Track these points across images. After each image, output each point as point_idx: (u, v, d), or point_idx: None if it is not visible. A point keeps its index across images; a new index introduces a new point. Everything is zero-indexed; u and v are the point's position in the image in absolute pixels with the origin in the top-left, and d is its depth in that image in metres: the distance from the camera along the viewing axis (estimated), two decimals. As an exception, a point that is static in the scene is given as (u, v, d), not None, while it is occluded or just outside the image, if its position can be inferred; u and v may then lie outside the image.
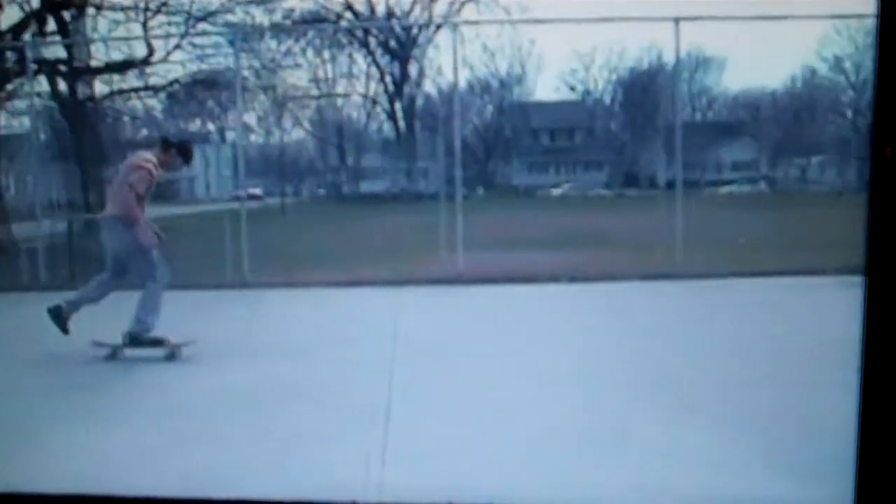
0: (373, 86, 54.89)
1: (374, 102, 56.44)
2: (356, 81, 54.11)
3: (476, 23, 51.99)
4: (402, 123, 53.88)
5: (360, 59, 51.94)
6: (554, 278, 13.53)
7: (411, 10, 48.84)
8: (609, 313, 11.01)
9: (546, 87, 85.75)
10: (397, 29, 49.87)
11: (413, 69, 52.29)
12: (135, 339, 8.35)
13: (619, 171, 67.40)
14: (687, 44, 60.76)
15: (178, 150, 8.84)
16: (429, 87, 54.39)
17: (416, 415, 6.26)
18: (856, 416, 1.74)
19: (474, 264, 13.82)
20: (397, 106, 53.96)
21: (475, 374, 7.51)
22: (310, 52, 45.18)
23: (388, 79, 53.72)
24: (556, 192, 58.69)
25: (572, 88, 70.49)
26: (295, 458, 5.29)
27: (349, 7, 44.59)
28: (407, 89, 52.99)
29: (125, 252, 8.42)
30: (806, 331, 9.32)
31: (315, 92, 52.42)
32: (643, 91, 63.26)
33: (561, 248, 17.59)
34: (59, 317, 8.45)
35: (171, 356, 8.24)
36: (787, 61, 75.72)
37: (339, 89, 55.21)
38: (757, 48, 77.47)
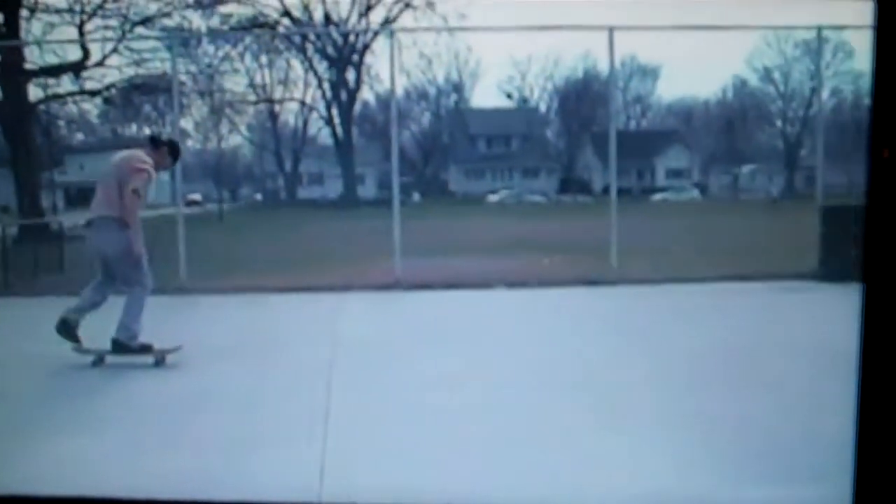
0: (310, 92, 54.80)
1: (312, 108, 56.33)
2: (294, 87, 54.03)
3: (413, 30, 52.14)
4: (339, 129, 53.75)
5: (298, 66, 51.84)
6: (491, 284, 13.56)
7: (349, 16, 48.86)
8: (542, 318, 11.07)
9: (483, 95, 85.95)
10: (335, 35, 49.79)
11: (350, 76, 52.22)
12: (122, 347, 8.10)
13: (555, 178, 67.85)
14: (621, 53, 61.37)
15: (169, 148, 8.63)
16: (366, 93, 54.43)
17: (353, 418, 6.25)
18: (854, 417, 1.74)
19: (412, 270, 13.81)
20: (335, 112, 53.81)
21: (409, 378, 7.53)
22: (247, 58, 45.05)
23: (325, 85, 53.62)
24: (493, 198, 58.92)
25: (509, 96, 70.96)
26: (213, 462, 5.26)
27: (287, 13, 44.46)
28: (344, 95, 52.87)
29: (116, 256, 8.10)
30: (725, 334, 9.49)
31: (252, 97, 52.23)
32: (578, 99, 63.83)
33: (498, 254, 17.64)
34: (69, 330, 8.12)
35: (159, 362, 8.06)
36: (719, 72, 76.74)
37: (277, 95, 55.08)
38: (690, 58, 78.17)
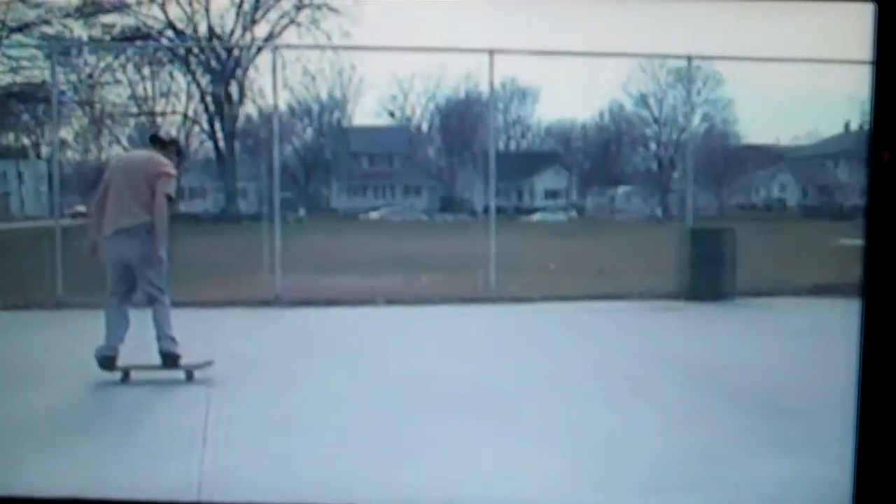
0: (193, 105, 53.98)
1: (194, 122, 55.49)
2: (176, 100, 53.16)
3: (297, 47, 51.80)
4: (222, 143, 53.04)
5: (181, 78, 51.04)
6: (370, 301, 13.56)
7: (233, 30, 48.36)
8: (418, 334, 11.12)
9: (366, 112, 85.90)
10: (218, 49, 49.21)
11: (234, 90, 51.63)
12: (173, 357, 7.87)
13: (436, 197, 68.05)
14: (502, 75, 62.09)
15: (175, 147, 8.31)
16: (249, 108, 53.82)
17: (230, 433, 6.21)
18: (854, 418, 1.75)
19: (292, 286, 13.73)
20: (217, 126, 53.10)
21: (287, 394, 7.51)
22: (129, 69, 44.21)
23: (208, 98, 52.87)
24: (374, 215, 58.80)
25: (391, 114, 70.90)
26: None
27: (170, 25, 43.84)
28: (227, 110, 52.24)
29: (144, 263, 7.77)
30: (595, 350, 9.70)
31: (134, 109, 51.24)
32: (460, 119, 64.13)
33: (379, 271, 17.63)
34: (112, 365, 7.90)
35: (190, 376, 7.89)
36: (597, 96, 77.87)
37: (159, 107, 54.13)
38: (569, 82, 79.57)
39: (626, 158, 67.96)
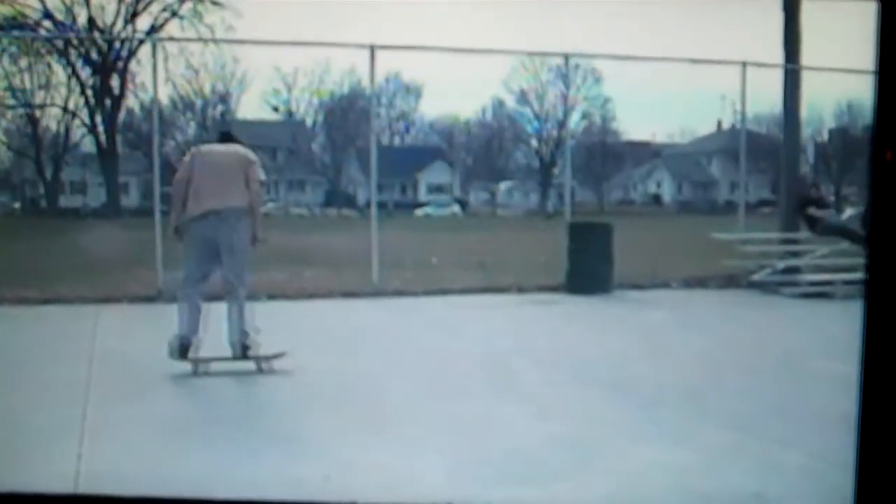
0: (73, 98, 52.68)
1: (74, 115, 54.15)
2: (55, 92, 51.80)
3: (179, 40, 51.03)
4: (103, 137, 51.84)
5: (60, 70, 49.80)
6: (253, 297, 13.42)
7: (114, 22, 47.34)
8: (298, 330, 11.06)
9: (250, 107, 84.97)
10: (99, 41, 48.13)
11: (115, 83, 50.54)
12: (243, 349, 7.91)
13: (321, 192, 67.76)
14: (386, 70, 62.02)
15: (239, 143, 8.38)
16: (131, 101, 52.75)
17: (108, 432, 6.11)
18: (856, 417, 1.73)
19: (174, 282, 13.50)
20: (98, 119, 51.89)
21: (165, 392, 7.45)
22: (5, 60, 43.00)
23: (88, 91, 51.66)
24: (258, 210, 58.25)
25: (275, 108, 70.22)
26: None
27: (49, 15, 42.74)
28: (108, 103, 51.09)
29: (237, 247, 7.84)
30: (477, 343, 9.79)
31: (11, 101, 49.83)
32: (344, 114, 63.91)
33: (262, 266, 17.37)
34: (186, 355, 7.89)
35: (261, 369, 7.94)
36: (479, 92, 78.51)
37: (38, 100, 52.73)
38: (452, 78, 79.96)
39: (508, 154, 68.63)
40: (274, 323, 11.69)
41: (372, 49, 14.63)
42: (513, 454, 5.71)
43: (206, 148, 8.31)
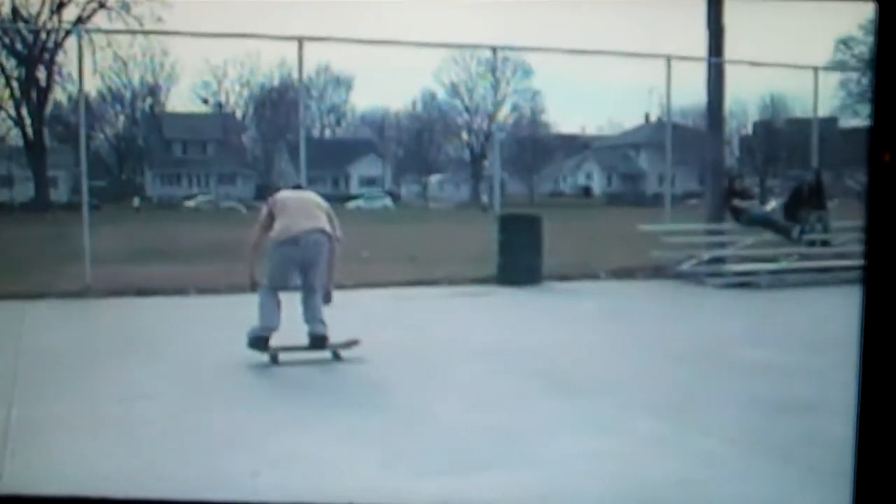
0: (-3, 90, 51.63)
1: (0, 108, 53.14)
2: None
3: (106, 31, 50.30)
4: (30, 130, 50.92)
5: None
6: (183, 291, 13.34)
7: (39, 13, 46.51)
8: (224, 324, 10.98)
9: (180, 99, 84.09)
10: (24, 31, 47.24)
11: (41, 74, 49.67)
12: (321, 339, 8.60)
13: (252, 185, 67.29)
14: (316, 62, 61.77)
15: None
16: (58, 93, 51.92)
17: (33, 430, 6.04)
18: (855, 417, 1.73)
19: (104, 277, 13.36)
20: (24, 112, 50.95)
21: (92, 388, 7.38)
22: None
23: (14, 83, 50.71)
24: (189, 204, 57.74)
25: (205, 101, 69.62)
26: None
27: (-30, 7, 41.85)
28: (35, 95, 50.20)
29: (319, 264, 8.63)
30: (407, 335, 9.82)
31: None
32: (274, 106, 63.55)
33: (193, 260, 17.31)
34: (264, 346, 8.50)
35: (336, 356, 8.60)
36: (410, 84, 78.49)
37: (-41, 91, 51.64)
38: (383, 70, 79.77)
39: (439, 147, 68.67)
40: (204, 317, 11.71)
41: (300, 41, 14.56)
42: (441, 444, 5.75)
43: (284, 193, 9.22)
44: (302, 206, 8.89)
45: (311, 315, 8.69)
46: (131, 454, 5.57)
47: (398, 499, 4.84)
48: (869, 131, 1.65)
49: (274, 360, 8.49)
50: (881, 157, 1.63)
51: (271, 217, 8.84)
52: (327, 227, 8.71)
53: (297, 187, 9.79)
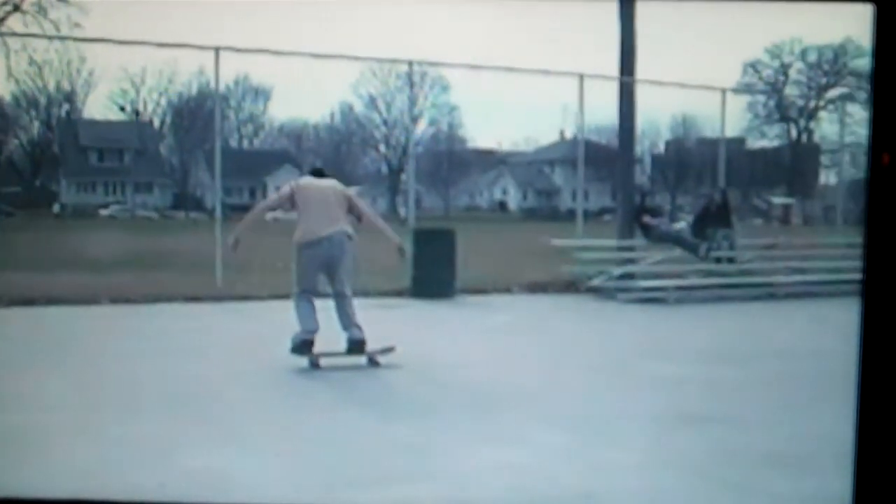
0: None
1: None
2: None
3: (21, 35, 49.23)
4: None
5: None
6: (94, 300, 13.09)
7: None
8: (135, 335, 10.82)
9: (97, 106, 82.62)
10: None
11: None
12: (360, 345, 8.69)
13: (169, 194, 66.42)
14: (235, 72, 61.23)
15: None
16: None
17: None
18: (854, 416, 1.72)
19: (13, 284, 13.06)
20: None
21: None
22: None
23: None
24: (104, 212, 56.77)
25: (122, 108, 68.49)
26: None
27: None
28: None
29: (346, 264, 8.88)
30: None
31: None
32: (192, 115, 62.74)
33: (106, 269, 16.99)
34: (307, 350, 8.64)
35: (374, 363, 8.73)
36: (328, 96, 78.05)
37: None
38: (301, 82, 79.24)
39: (357, 159, 68.45)
40: (116, 327, 11.52)
41: (217, 51, 14.43)
42: (352, 458, 5.70)
43: (307, 182, 9.24)
44: (323, 205, 8.91)
45: (347, 321, 8.81)
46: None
47: (400, 499, 4.87)
48: (869, 133, 1.64)
49: (315, 365, 8.62)
50: (881, 159, 1.62)
51: (287, 203, 9.10)
52: (348, 229, 8.88)
53: (318, 172, 9.66)
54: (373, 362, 8.76)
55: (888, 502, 1.74)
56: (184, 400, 7.29)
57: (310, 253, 8.80)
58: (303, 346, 8.66)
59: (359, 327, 8.78)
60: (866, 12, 1.62)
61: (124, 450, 5.79)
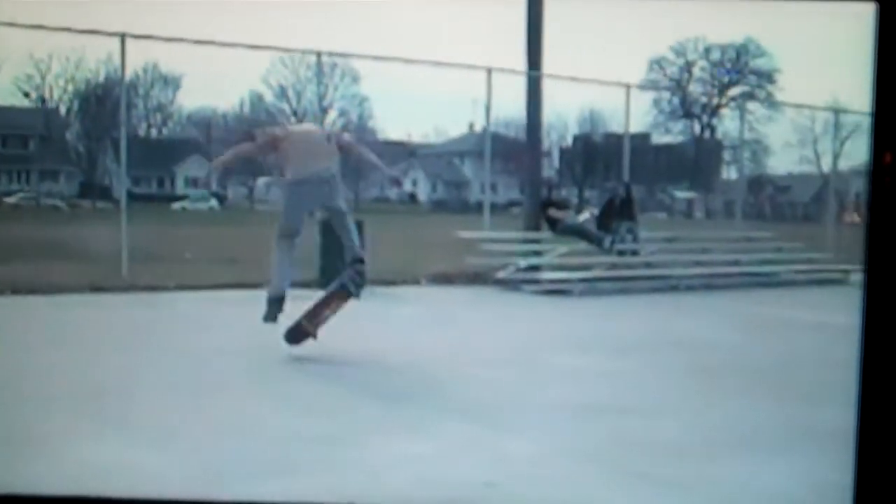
0: None
1: None
2: None
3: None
4: None
5: None
6: (-3, 291, 12.80)
7: None
8: (37, 326, 10.59)
9: (0, 91, 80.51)
10: None
11: None
12: (361, 260, 9.07)
13: (76, 182, 65.07)
14: (144, 60, 60.19)
15: None
16: None
17: None
18: (855, 416, 1.67)
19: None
20: None
21: None
22: None
23: None
24: (9, 200, 55.38)
25: (26, 95, 66.81)
26: None
27: None
28: None
29: (340, 197, 8.95)
30: (223, 339, 9.65)
31: None
32: (99, 103, 61.46)
33: (9, 259, 16.59)
34: (277, 309, 8.65)
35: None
36: (238, 85, 77.17)
37: None
38: (210, 70, 78.20)
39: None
40: (17, 318, 11.25)
41: (123, 38, 14.18)
42: (259, 450, 5.66)
43: (289, 127, 8.94)
44: (312, 142, 8.88)
45: (351, 240, 9.02)
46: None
47: (400, 499, 4.84)
48: (870, 132, 1.62)
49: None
50: (882, 158, 1.60)
51: (268, 149, 9.17)
52: (335, 166, 8.77)
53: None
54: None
55: (889, 496, 1.71)
56: (82, 392, 7.15)
57: (300, 190, 8.67)
58: (272, 303, 8.62)
59: (360, 247, 9.15)
60: (867, 12, 1.61)
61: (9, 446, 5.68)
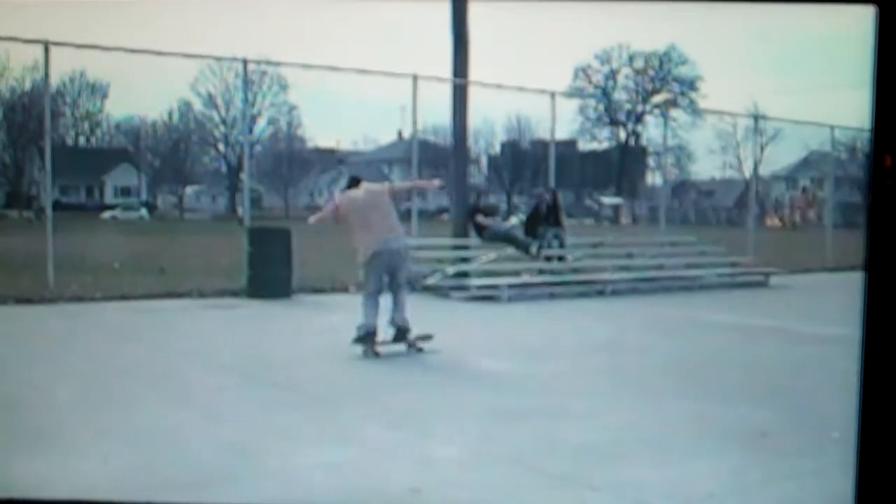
0: None
1: None
2: None
3: None
4: None
5: None
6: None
7: None
8: None
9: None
10: None
11: None
12: (405, 332, 9.77)
13: (1, 192, 63.82)
14: (71, 67, 59.21)
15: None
16: None
17: None
18: (856, 415, 1.65)
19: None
20: None
21: None
22: None
23: None
24: (-69, 211, 54.18)
25: (-51, 103, 65.33)
26: None
27: None
28: None
29: (404, 267, 10.00)
30: (147, 350, 9.52)
31: None
32: (25, 111, 60.33)
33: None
34: (368, 341, 9.45)
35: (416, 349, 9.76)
36: (166, 93, 76.18)
37: None
38: (139, 78, 77.33)
39: (196, 158, 67.04)
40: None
41: (46, 45, 13.96)
42: (181, 459, 5.60)
43: (353, 194, 9.97)
44: (379, 214, 9.76)
45: (400, 310, 9.81)
46: None
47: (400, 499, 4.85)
48: (870, 135, 1.61)
49: (375, 354, 9.40)
50: (882, 161, 1.59)
51: (335, 218, 10.06)
52: (401, 230, 10.14)
53: (356, 181, 10.26)
54: (413, 347, 9.74)
55: (890, 499, 1.71)
56: (7, 403, 7.02)
57: (378, 261, 9.65)
58: (366, 336, 9.45)
59: (405, 318, 9.81)
60: (867, 13, 1.61)
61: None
